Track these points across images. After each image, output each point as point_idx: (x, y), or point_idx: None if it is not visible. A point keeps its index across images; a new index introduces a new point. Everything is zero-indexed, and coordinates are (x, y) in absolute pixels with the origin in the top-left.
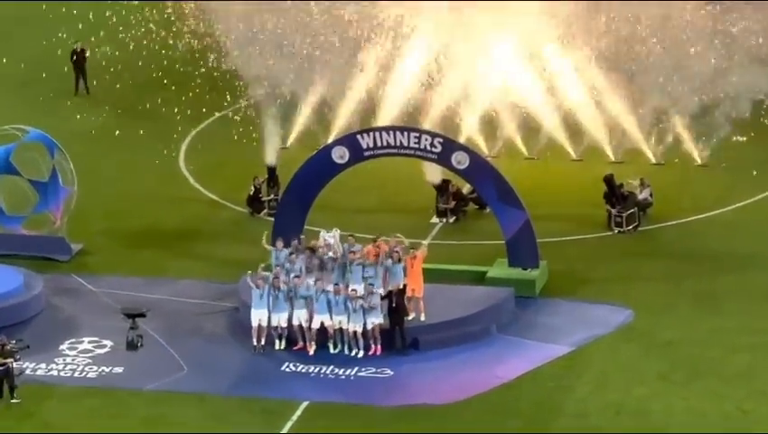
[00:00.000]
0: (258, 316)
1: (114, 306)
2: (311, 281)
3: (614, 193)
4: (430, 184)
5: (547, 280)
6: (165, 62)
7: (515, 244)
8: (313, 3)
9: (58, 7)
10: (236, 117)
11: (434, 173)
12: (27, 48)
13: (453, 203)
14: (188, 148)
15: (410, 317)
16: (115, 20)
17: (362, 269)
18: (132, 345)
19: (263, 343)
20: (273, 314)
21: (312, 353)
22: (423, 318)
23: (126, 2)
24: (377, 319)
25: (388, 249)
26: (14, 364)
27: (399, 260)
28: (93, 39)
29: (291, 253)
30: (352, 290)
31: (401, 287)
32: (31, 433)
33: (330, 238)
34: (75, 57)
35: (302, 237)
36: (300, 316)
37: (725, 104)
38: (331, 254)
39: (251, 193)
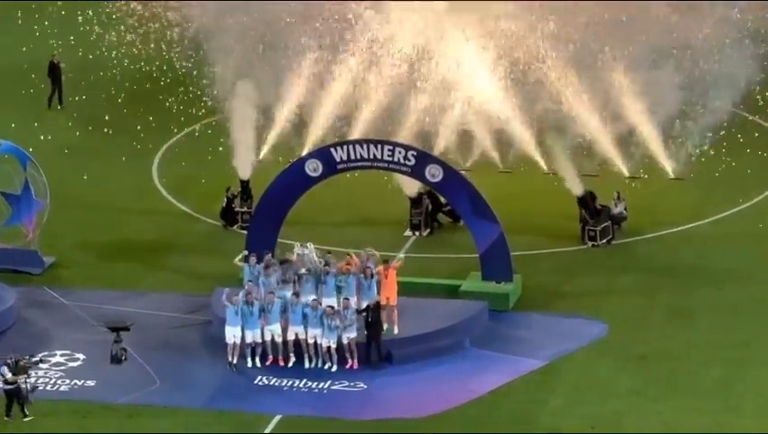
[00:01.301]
0: (233, 333)
1: (87, 320)
2: (287, 293)
3: (588, 207)
4: (407, 197)
5: (521, 294)
6: (138, 75)
7: (489, 258)
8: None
9: (33, 19)
10: (208, 131)
11: (410, 185)
12: (1, 59)
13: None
14: (160, 161)
15: (384, 329)
16: (88, 32)
17: (335, 280)
18: (116, 359)
19: (235, 360)
20: (246, 330)
21: (289, 365)
22: (396, 331)
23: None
24: (352, 334)
25: (359, 263)
26: (27, 381)
27: (372, 276)
28: (65, 51)
29: (266, 267)
30: (329, 307)
31: (377, 302)
32: None
33: (304, 251)
34: (51, 69)
35: (269, 255)
36: (273, 331)
37: (698, 116)
38: (303, 270)
39: (224, 204)
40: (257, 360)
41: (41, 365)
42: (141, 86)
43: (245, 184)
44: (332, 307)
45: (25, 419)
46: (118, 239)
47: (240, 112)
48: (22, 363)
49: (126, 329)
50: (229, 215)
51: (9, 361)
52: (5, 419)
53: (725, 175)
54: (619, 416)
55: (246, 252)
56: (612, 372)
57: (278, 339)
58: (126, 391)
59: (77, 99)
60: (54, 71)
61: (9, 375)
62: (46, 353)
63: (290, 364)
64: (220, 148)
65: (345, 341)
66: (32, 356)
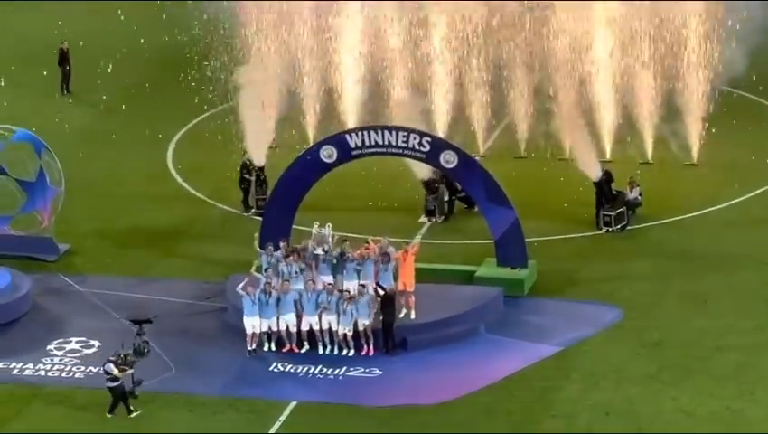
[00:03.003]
0: (252, 323)
1: (102, 306)
2: (300, 285)
3: (604, 192)
4: (422, 183)
5: (536, 280)
6: (153, 61)
7: (504, 243)
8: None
9: (45, 5)
10: (224, 117)
11: (424, 172)
12: (14, 47)
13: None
14: (176, 147)
15: (402, 314)
16: (102, 18)
17: (354, 264)
18: (139, 352)
19: (254, 347)
20: (263, 319)
21: (303, 351)
22: (413, 316)
23: (116, 0)
24: (366, 320)
25: (377, 250)
26: (131, 374)
27: (389, 260)
28: (79, 37)
29: (286, 256)
30: (346, 291)
31: (392, 294)
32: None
33: (322, 231)
34: (61, 56)
35: (283, 243)
36: (288, 321)
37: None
38: (320, 250)
39: (242, 174)
40: (273, 345)
41: (54, 352)
42: (156, 72)
43: (260, 171)
44: (348, 292)
45: (131, 416)
46: (133, 225)
47: (254, 98)
48: (130, 358)
49: (149, 322)
50: (242, 183)
51: (115, 357)
52: (108, 415)
53: (739, 161)
54: (633, 401)
55: (257, 235)
56: (626, 357)
57: (293, 329)
58: (142, 377)
59: (92, 85)
60: (64, 58)
61: (116, 372)
62: (61, 340)
63: (303, 350)
64: (236, 134)
65: (360, 328)
66: (138, 349)
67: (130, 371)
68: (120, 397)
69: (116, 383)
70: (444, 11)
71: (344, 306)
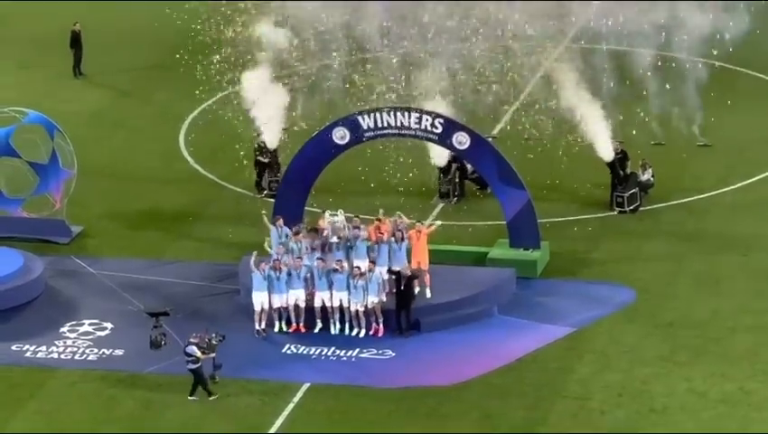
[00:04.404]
0: (261, 300)
1: (114, 289)
2: (313, 262)
3: (616, 174)
4: (436, 165)
5: (549, 261)
6: (165, 43)
7: (516, 225)
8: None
9: None
10: (237, 99)
11: (439, 154)
12: (26, 29)
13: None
14: (188, 130)
15: (416, 290)
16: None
17: (366, 245)
18: (155, 344)
19: (264, 326)
20: (273, 295)
21: (315, 331)
22: (429, 294)
23: None
24: (376, 298)
25: (390, 228)
26: (212, 358)
27: (403, 239)
28: (92, 19)
29: (296, 233)
30: (356, 267)
31: (409, 271)
32: None
33: (334, 219)
34: (73, 38)
35: (301, 224)
36: (297, 297)
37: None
38: (335, 239)
39: (256, 156)
40: (284, 324)
41: (67, 335)
42: (169, 54)
43: (273, 153)
44: (359, 268)
45: (211, 398)
46: (146, 207)
47: (266, 80)
48: (213, 342)
49: (166, 314)
50: (256, 165)
51: (197, 340)
52: (189, 398)
53: (752, 141)
54: (646, 382)
55: (264, 212)
56: (639, 338)
57: (302, 304)
58: (155, 360)
59: (105, 67)
60: (76, 40)
61: (198, 354)
62: (74, 322)
63: (316, 330)
64: (249, 116)
65: (370, 305)
66: (218, 333)
67: (212, 355)
68: (200, 380)
69: (196, 365)
70: None
71: (355, 282)
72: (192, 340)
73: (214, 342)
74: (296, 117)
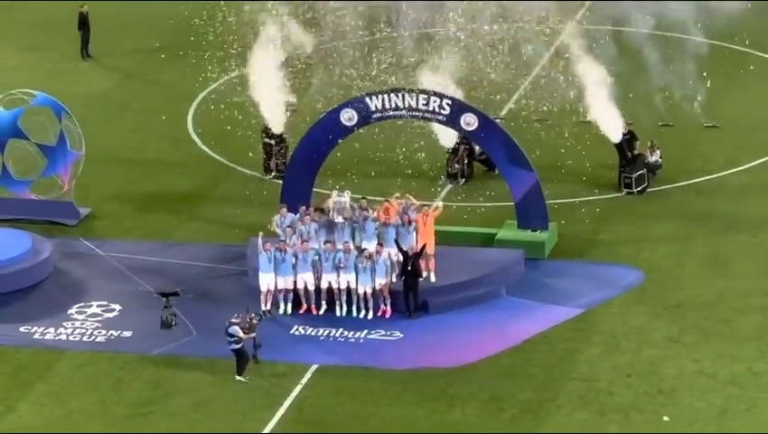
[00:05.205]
0: (267, 281)
1: (123, 271)
2: (319, 244)
3: (624, 155)
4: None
5: (557, 242)
6: (174, 24)
7: (524, 206)
8: None
9: None
10: (244, 81)
11: (446, 134)
12: (34, 11)
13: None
14: (196, 111)
15: (423, 277)
16: None
17: (374, 226)
18: (166, 324)
19: (269, 307)
20: (279, 277)
21: (321, 313)
22: (433, 279)
23: None
24: (384, 279)
25: (399, 209)
26: (253, 338)
27: (410, 222)
28: (99, 1)
29: (305, 215)
30: (364, 248)
31: (417, 250)
32: None
33: (341, 199)
34: (81, 20)
35: (304, 207)
36: (306, 279)
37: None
38: (340, 219)
39: (263, 137)
40: (289, 306)
41: (75, 317)
42: (177, 35)
43: (279, 138)
44: (366, 249)
45: (239, 378)
46: (153, 189)
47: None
48: (255, 321)
49: (176, 295)
50: (264, 146)
51: (239, 320)
52: (237, 378)
53: (760, 122)
54: (654, 363)
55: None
56: (647, 319)
57: (311, 287)
58: (163, 341)
59: (112, 49)
60: (83, 22)
61: (241, 334)
62: (82, 304)
63: (321, 312)
64: (255, 99)
65: (377, 286)
66: (258, 313)
67: (253, 334)
68: (243, 359)
69: (239, 346)
70: None
71: (364, 264)
72: (233, 320)
73: (255, 321)
74: (305, 98)
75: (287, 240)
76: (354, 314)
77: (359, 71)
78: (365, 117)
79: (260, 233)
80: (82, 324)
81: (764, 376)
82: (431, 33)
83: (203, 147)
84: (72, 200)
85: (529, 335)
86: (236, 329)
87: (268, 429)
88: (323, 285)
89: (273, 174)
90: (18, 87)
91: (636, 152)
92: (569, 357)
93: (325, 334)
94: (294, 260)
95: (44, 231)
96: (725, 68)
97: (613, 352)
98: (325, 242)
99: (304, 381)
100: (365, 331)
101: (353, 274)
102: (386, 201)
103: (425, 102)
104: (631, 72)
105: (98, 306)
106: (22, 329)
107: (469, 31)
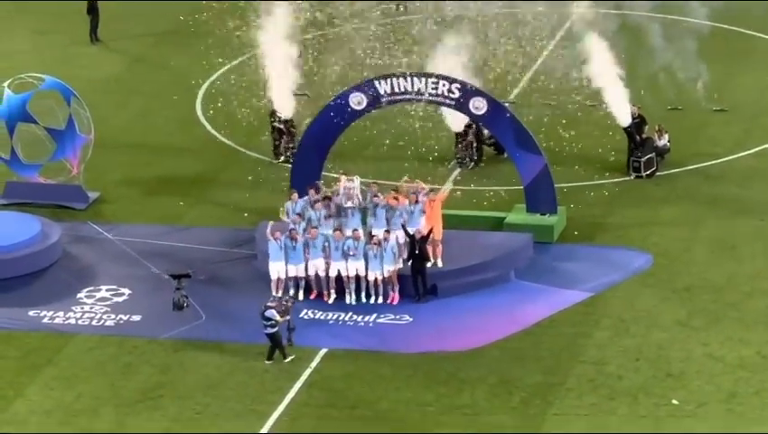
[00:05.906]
0: (277, 269)
1: (132, 254)
2: (329, 231)
3: (633, 139)
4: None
5: (566, 226)
6: (182, 8)
7: (533, 190)
8: None
9: None
10: (253, 64)
11: (455, 119)
12: None
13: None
14: (205, 95)
15: (429, 264)
16: None
17: (386, 214)
18: (178, 306)
19: (280, 294)
20: (289, 265)
21: (330, 301)
22: (440, 264)
23: None
24: (392, 266)
25: (407, 195)
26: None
27: (417, 202)
28: None
29: (316, 201)
30: (373, 236)
31: (425, 233)
32: None
33: (350, 185)
34: (90, 4)
35: (319, 182)
36: (317, 266)
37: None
38: (350, 204)
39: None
40: (301, 293)
41: (84, 301)
42: (186, 19)
43: (287, 123)
44: (376, 236)
45: (287, 361)
46: (162, 173)
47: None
48: (289, 304)
49: (188, 276)
50: (273, 130)
51: (275, 303)
52: (266, 362)
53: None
54: (663, 347)
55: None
56: (656, 303)
57: (322, 274)
58: (172, 325)
59: (121, 33)
60: (92, 7)
61: (278, 318)
62: (92, 288)
63: (330, 301)
64: (264, 83)
65: (386, 273)
66: (291, 297)
67: (288, 317)
68: (278, 344)
69: (274, 330)
70: None
71: (375, 251)
72: (269, 304)
73: (289, 304)
74: (314, 82)
75: (297, 228)
76: (364, 300)
77: (369, 54)
78: (374, 101)
79: (270, 222)
80: (91, 308)
81: None
82: (442, 16)
83: (212, 131)
84: (81, 184)
85: (538, 319)
86: (273, 313)
87: (278, 412)
88: (332, 273)
89: (282, 158)
90: (27, 71)
91: (645, 136)
92: (578, 341)
93: (335, 318)
94: (303, 248)
95: (53, 214)
96: (733, 51)
97: (621, 335)
98: (334, 230)
99: (313, 364)
100: (374, 315)
101: (362, 262)
102: (393, 189)
103: (434, 86)
104: (640, 56)
105: (107, 290)
106: (31, 313)
107: (479, 16)
